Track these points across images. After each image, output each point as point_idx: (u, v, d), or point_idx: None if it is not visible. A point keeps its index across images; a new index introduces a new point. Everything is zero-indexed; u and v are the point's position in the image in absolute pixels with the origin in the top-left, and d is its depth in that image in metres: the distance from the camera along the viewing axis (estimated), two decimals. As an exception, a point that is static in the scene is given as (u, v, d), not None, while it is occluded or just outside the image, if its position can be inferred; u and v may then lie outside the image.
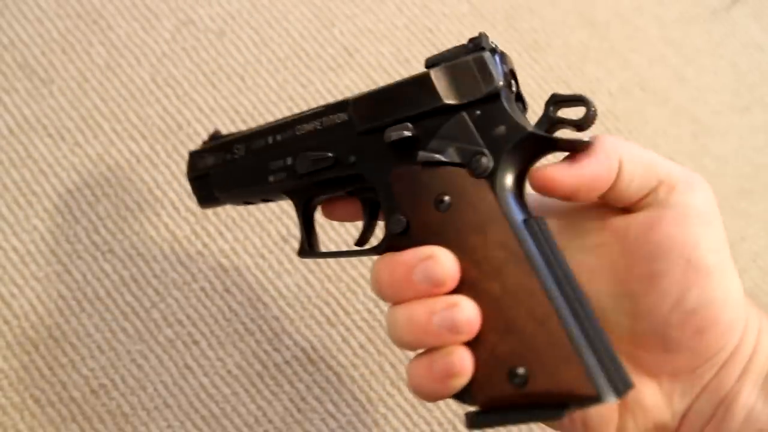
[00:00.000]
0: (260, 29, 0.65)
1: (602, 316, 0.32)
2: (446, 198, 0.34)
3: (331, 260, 0.58)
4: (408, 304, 0.31)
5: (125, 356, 0.53)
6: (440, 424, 0.55)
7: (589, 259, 0.33)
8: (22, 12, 0.62)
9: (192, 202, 0.58)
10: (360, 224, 0.42)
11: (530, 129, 0.33)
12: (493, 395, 0.30)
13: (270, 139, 0.42)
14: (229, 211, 0.58)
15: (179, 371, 0.54)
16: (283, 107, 0.62)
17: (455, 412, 0.55)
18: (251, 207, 0.59)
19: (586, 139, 0.33)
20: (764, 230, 0.66)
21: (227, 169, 0.44)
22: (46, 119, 0.59)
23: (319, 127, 0.39)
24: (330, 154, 0.38)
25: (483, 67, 0.34)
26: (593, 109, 0.32)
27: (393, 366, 0.56)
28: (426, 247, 0.32)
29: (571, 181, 0.32)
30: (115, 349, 0.54)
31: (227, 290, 0.56)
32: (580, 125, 0.32)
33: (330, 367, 0.55)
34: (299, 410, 0.54)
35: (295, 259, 0.58)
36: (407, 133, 0.35)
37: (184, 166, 0.59)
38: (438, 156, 0.34)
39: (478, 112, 0.34)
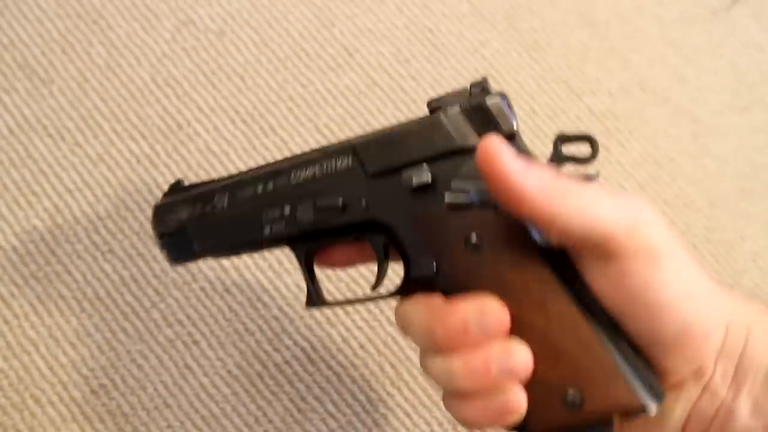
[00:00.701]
0: (260, 29, 0.65)
1: None
2: (476, 238, 0.34)
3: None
4: (462, 353, 0.32)
5: (125, 356, 0.53)
6: (440, 424, 0.55)
7: None
8: (22, 12, 0.62)
9: (192, 202, 0.58)
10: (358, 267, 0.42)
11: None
12: (550, 422, 0.32)
13: (260, 188, 0.40)
14: (229, 211, 0.58)
15: (179, 371, 0.54)
16: (283, 107, 0.62)
17: (455, 412, 0.55)
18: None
19: (592, 172, 0.34)
20: (764, 230, 0.66)
21: (209, 223, 0.41)
22: (46, 119, 0.59)
23: (319, 173, 0.38)
24: (339, 200, 0.37)
25: (500, 112, 0.35)
26: (597, 146, 0.34)
27: (393, 366, 0.56)
28: (477, 299, 0.33)
29: (516, 192, 0.31)
30: (115, 349, 0.54)
31: (227, 290, 0.56)
32: (587, 161, 0.34)
33: (330, 367, 0.55)
34: (299, 410, 0.54)
35: (296, 259, 0.57)
36: (427, 178, 0.35)
37: (184, 167, 0.59)
38: (464, 198, 0.35)
39: None
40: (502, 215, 0.34)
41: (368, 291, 0.57)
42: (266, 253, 0.57)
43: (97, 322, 0.54)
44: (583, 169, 0.34)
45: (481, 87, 0.36)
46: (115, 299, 0.55)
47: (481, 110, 0.35)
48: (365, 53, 0.65)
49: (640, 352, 0.32)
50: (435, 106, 0.37)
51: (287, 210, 0.39)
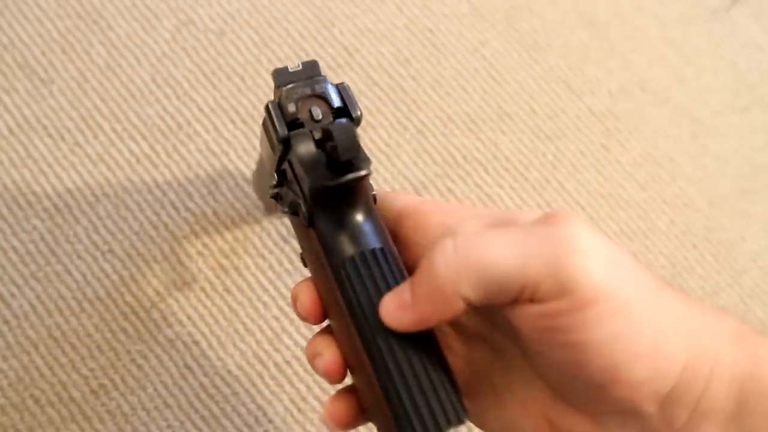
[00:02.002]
0: (260, 29, 0.65)
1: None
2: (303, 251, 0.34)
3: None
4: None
5: (125, 356, 0.53)
6: (440, 424, 0.55)
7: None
8: (22, 12, 0.62)
9: (192, 202, 0.58)
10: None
11: (326, 182, 0.30)
12: None
13: None
14: (228, 211, 0.58)
15: (179, 371, 0.54)
16: (283, 107, 0.62)
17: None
18: (251, 206, 0.59)
19: (373, 192, 0.33)
20: (764, 230, 0.66)
21: None
22: (46, 119, 0.59)
23: None
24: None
25: (270, 120, 0.32)
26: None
27: (393, 366, 0.56)
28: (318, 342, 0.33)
29: (409, 320, 0.28)
30: (115, 349, 0.54)
31: (227, 290, 0.56)
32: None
33: (330, 367, 0.55)
34: (299, 410, 0.54)
35: (296, 259, 0.58)
36: (272, 191, 0.35)
37: (184, 166, 0.59)
38: (281, 208, 0.34)
39: (291, 167, 0.33)
40: (305, 227, 0.33)
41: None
42: (266, 254, 0.57)
43: (97, 322, 0.54)
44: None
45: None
46: (115, 299, 0.55)
47: (265, 121, 0.34)
48: (365, 53, 0.65)
49: (439, 376, 0.29)
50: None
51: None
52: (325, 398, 0.54)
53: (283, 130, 0.31)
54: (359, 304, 0.30)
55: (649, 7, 0.73)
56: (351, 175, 0.30)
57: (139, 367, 0.53)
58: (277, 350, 0.55)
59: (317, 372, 0.33)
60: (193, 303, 0.55)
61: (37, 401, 0.52)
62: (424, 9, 0.68)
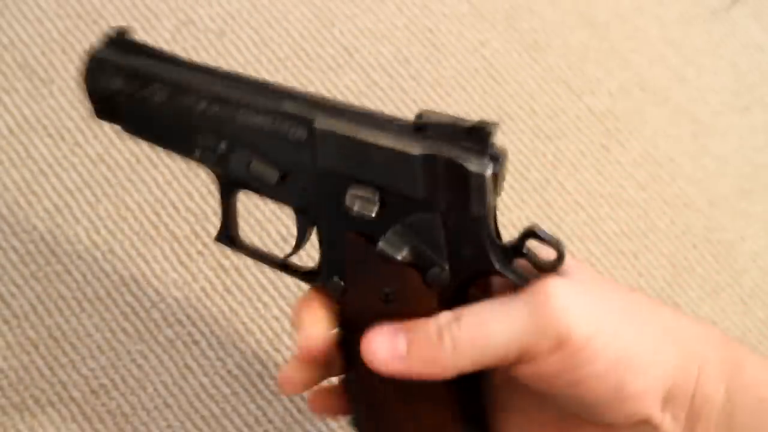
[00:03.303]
0: (260, 29, 0.65)
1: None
2: (391, 292, 0.32)
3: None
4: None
5: (125, 356, 0.53)
6: (440, 424, 0.55)
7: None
8: (22, 12, 0.62)
9: (192, 203, 0.58)
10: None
11: (497, 267, 0.30)
12: None
13: (203, 104, 0.34)
14: (229, 211, 0.58)
15: (179, 371, 0.54)
16: (283, 107, 0.62)
17: (455, 412, 0.55)
18: (251, 207, 0.59)
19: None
20: (764, 230, 0.66)
21: (141, 109, 0.36)
22: (46, 119, 0.59)
23: (269, 129, 0.33)
24: (276, 175, 0.33)
25: (480, 188, 0.30)
26: (563, 256, 0.30)
27: (393, 366, 0.56)
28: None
29: (395, 369, 0.31)
30: (115, 349, 0.54)
31: (227, 290, 0.56)
32: (546, 270, 0.30)
33: (330, 367, 0.55)
34: (299, 410, 0.54)
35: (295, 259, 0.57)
36: (372, 213, 0.31)
37: (184, 167, 0.59)
38: (396, 255, 0.31)
39: (452, 222, 0.31)
40: (422, 284, 0.32)
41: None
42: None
43: (97, 322, 0.54)
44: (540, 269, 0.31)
45: (481, 137, 0.30)
46: (115, 299, 0.55)
47: (461, 173, 0.30)
48: (365, 53, 0.65)
49: None
50: (422, 125, 0.31)
51: (222, 147, 0.34)
52: (325, 398, 0.54)
53: (490, 206, 0.31)
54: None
55: (649, 7, 0.73)
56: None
57: (139, 367, 0.53)
58: (277, 350, 0.55)
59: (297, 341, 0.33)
60: (193, 303, 0.55)
61: (37, 401, 0.52)
62: (424, 9, 0.68)
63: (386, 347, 0.30)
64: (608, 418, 0.31)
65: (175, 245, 0.57)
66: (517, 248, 0.30)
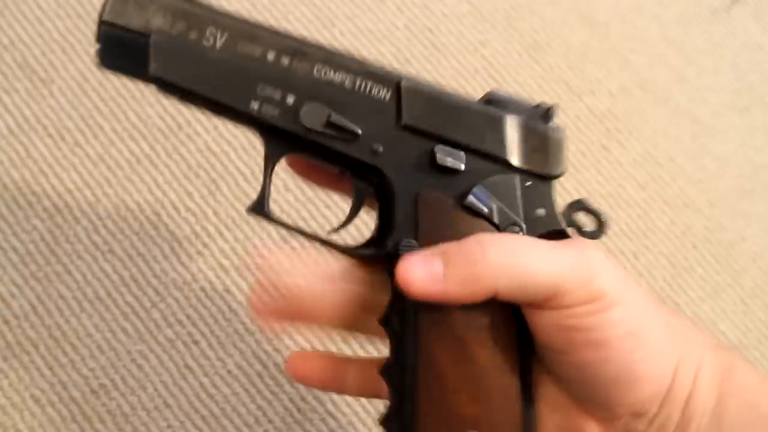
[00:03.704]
0: (260, 29, 0.65)
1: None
2: None
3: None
4: None
5: (125, 356, 0.53)
6: (440, 424, 0.55)
7: None
8: (22, 12, 0.62)
9: (192, 202, 0.58)
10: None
11: (563, 226, 0.33)
12: None
13: (271, 55, 0.33)
14: (228, 211, 0.58)
15: (179, 371, 0.54)
16: (283, 107, 0.62)
17: (455, 412, 0.55)
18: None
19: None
20: (764, 230, 0.66)
21: (186, 53, 0.33)
22: (46, 119, 0.59)
23: (349, 86, 0.33)
24: (358, 131, 0.33)
25: (559, 149, 0.34)
26: (605, 226, 0.33)
27: (393, 366, 0.56)
28: None
29: (433, 292, 0.31)
30: (115, 349, 0.54)
31: (227, 290, 0.56)
32: (592, 237, 0.33)
33: (330, 367, 0.55)
34: (299, 410, 0.54)
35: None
36: (462, 166, 0.33)
37: (184, 167, 0.59)
38: (484, 209, 0.32)
39: (529, 183, 0.33)
40: None
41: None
42: (266, 254, 0.57)
43: (97, 322, 0.54)
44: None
45: (547, 112, 0.34)
46: (115, 299, 0.55)
47: (542, 137, 0.33)
48: (365, 53, 0.65)
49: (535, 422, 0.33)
50: (493, 100, 0.34)
51: (290, 99, 0.33)
52: (325, 398, 0.54)
53: (566, 166, 0.35)
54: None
55: (649, 7, 0.73)
56: None
57: (139, 367, 0.53)
58: (277, 350, 0.55)
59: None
60: (193, 302, 0.55)
61: (37, 401, 0.52)
62: (424, 9, 0.68)
63: (422, 270, 0.30)
64: (613, 400, 0.31)
65: (175, 245, 0.57)
66: (569, 218, 0.33)
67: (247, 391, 0.54)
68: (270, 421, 0.53)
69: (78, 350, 0.53)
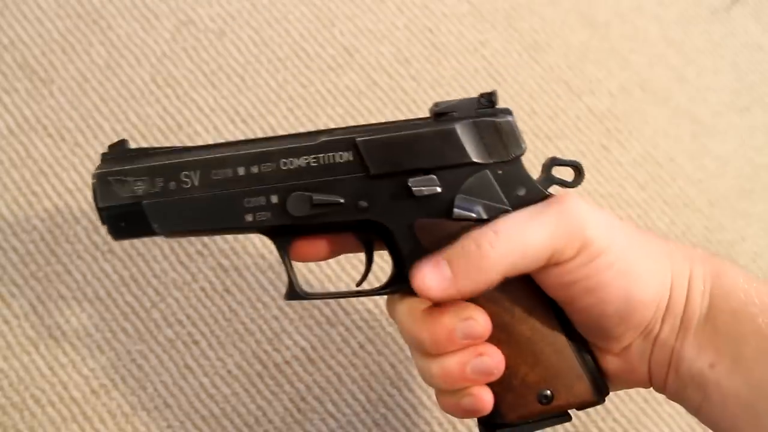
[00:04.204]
0: (260, 29, 0.65)
1: None
2: None
3: (330, 260, 0.58)
4: (442, 358, 0.36)
5: (125, 356, 0.54)
6: (440, 424, 0.55)
7: None
8: (22, 12, 0.62)
9: (192, 202, 0.58)
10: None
11: (546, 192, 0.37)
12: (523, 413, 0.37)
13: (241, 170, 0.37)
14: (229, 211, 0.58)
15: (179, 371, 0.54)
16: (283, 107, 0.62)
17: (455, 412, 0.55)
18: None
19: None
20: (764, 230, 0.66)
21: (175, 202, 0.37)
22: (46, 119, 0.59)
23: (314, 164, 0.37)
24: (340, 200, 0.37)
25: (511, 132, 0.37)
26: (583, 173, 0.38)
27: (393, 366, 0.56)
28: (462, 308, 0.35)
29: (451, 292, 0.35)
30: (115, 349, 0.54)
31: (227, 290, 0.56)
32: (572, 186, 0.38)
33: (330, 367, 0.55)
34: (299, 410, 0.54)
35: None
36: (438, 189, 0.36)
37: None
38: (471, 214, 0.36)
39: (500, 171, 0.37)
40: None
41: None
42: (266, 254, 0.57)
43: (97, 322, 0.54)
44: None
45: (489, 100, 0.37)
46: (115, 299, 0.55)
47: (494, 128, 0.37)
48: (365, 53, 0.65)
49: (594, 356, 0.38)
50: (441, 111, 0.37)
51: (274, 199, 0.37)
52: (325, 398, 0.54)
53: (524, 144, 0.38)
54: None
55: (649, 7, 0.73)
56: None
57: (139, 367, 0.53)
58: (277, 350, 0.55)
59: (460, 335, 0.35)
60: (193, 303, 0.55)
61: (37, 401, 0.52)
62: (424, 9, 0.68)
63: (434, 276, 0.35)
64: (621, 330, 0.36)
65: (175, 245, 0.57)
66: (548, 177, 0.37)
67: (247, 391, 0.54)
68: (270, 421, 0.53)
69: (78, 350, 0.53)
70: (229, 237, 0.58)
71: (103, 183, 0.37)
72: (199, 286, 0.56)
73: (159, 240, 0.57)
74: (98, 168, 0.38)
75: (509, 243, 0.34)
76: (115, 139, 0.59)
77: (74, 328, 0.54)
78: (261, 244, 0.58)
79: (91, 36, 0.62)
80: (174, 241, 0.57)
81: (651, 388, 0.38)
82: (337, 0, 0.67)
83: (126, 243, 0.56)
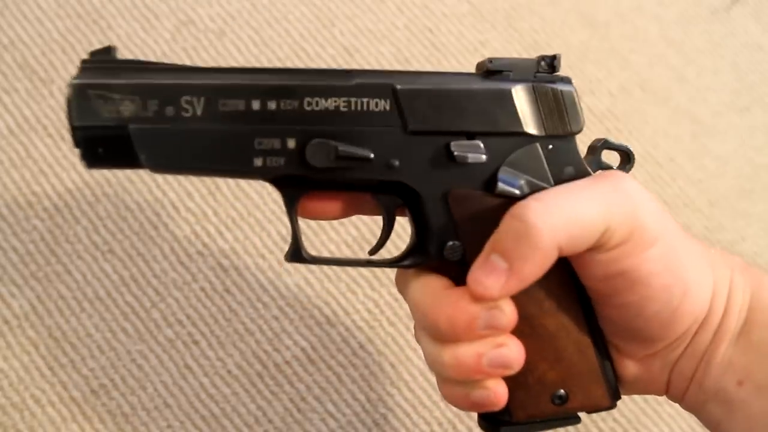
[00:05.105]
0: (260, 29, 0.65)
1: None
2: None
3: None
4: (454, 344, 0.31)
5: (125, 356, 0.53)
6: (440, 424, 0.55)
7: None
8: (22, 12, 0.62)
9: (192, 202, 0.58)
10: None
11: (593, 174, 0.33)
12: (533, 413, 0.34)
13: (256, 104, 0.30)
14: (228, 211, 0.58)
15: (179, 371, 0.54)
16: (283, 107, 0.62)
17: (455, 412, 0.55)
18: (251, 206, 0.59)
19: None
20: (764, 230, 0.66)
21: (170, 133, 0.30)
22: (46, 119, 0.59)
23: (344, 108, 0.31)
24: (370, 154, 0.31)
25: (572, 105, 0.33)
26: (633, 161, 0.34)
27: (393, 366, 0.56)
28: None
29: (512, 284, 0.31)
30: (115, 349, 0.54)
31: (227, 290, 0.56)
32: (623, 171, 0.34)
33: (330, 367, 0.55)
34: (299, 410, 0.54)
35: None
36: (483, 158, 0.32)
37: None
38: (515, 191, 0.32)
39: (551, 146, 0.32)
40: None
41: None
42: (266, 254, 0.57)
43: (97, 322, 0.54)
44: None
45: (551, 64, 0.33)
46: (115, 299, 0.55)
47: (553, 97, 0.32)
48: (365, 53, 0.65)
49: (611, 359, 0.35)
50: (495, 69, 0.32)
51: (291, 144, 0.31)
52: (325, 398, 0.54)
53: (583, 121, 0.34)
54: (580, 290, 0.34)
55: (649, 7, 0.73)
56: None
57: (139, 367, 0.53)
58: (276, 350, 0.55)
59: (482, 324, 0.31)
60: (193, 303, 0.55)
61: (37, 401, 0.52)
62: (424, 9, 0.68)
63: (490, 276, 0.30)
64: (655, 335, 0.33)
65: (175, 245, 0.57)
66: (597, 160, 0.33)
67: (247, 391, 0.54)
68: (270, 421, 0.53)
69: (78, 350, 0.53)
70: (229, 237, 0.57)
71: (80, 97, 0.30)
72: (199, 286, 0.56)
73: (159, 240, 0.57)
74: (76, 77, 0.30)
75: (561, 212, 0.30)
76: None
77: (74, 328, 0.54)
78: (261, 244, 0.58)
79: (91, 36, 0.62)
80: (174, 241, 0.57)
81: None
82: (337, 0, 0.67)
83: (126, 243, 0.56)
